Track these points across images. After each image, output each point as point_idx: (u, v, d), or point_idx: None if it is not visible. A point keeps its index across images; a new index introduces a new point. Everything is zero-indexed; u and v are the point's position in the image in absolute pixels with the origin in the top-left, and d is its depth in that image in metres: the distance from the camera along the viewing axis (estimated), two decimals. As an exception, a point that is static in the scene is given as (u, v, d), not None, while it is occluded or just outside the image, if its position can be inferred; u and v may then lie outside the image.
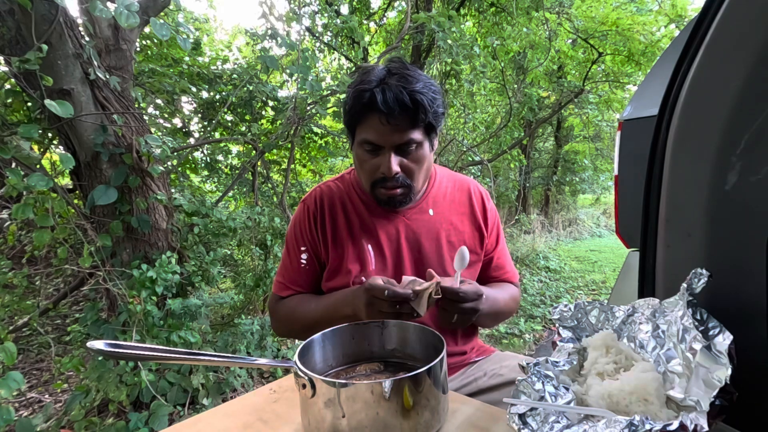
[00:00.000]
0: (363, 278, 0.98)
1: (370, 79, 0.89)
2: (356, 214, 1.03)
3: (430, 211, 1.04)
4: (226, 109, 3.37)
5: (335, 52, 5.46)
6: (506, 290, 1.08)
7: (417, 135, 0.90)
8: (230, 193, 3.69)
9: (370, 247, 1.00)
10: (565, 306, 0.71)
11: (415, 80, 0.88)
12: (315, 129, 3.79)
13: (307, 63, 2.69)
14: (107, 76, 2.03)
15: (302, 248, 1.04)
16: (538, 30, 5.70)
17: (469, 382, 1.01)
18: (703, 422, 0.45)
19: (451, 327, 0.88)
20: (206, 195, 3.50)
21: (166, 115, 3.60)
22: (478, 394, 0.97)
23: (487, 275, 1.11)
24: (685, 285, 0.57)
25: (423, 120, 0.88)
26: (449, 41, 3.33)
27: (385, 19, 6.27)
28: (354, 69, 3.86)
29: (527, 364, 0.62)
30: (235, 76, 3.44)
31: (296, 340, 2.90)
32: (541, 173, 9.83)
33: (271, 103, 3.54)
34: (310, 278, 1.05)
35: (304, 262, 1.03)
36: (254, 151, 3.26)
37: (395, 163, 0.90)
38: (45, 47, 1.69)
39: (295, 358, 0.65)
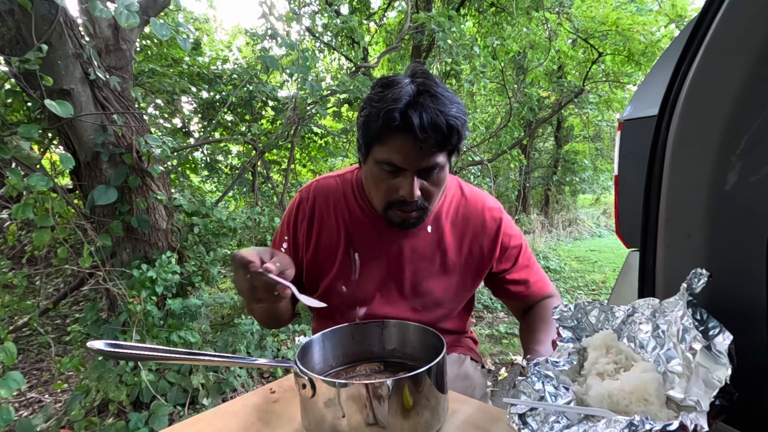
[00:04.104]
0: (344, 287, 0.96)
1: (398, 96, 0.80)
2: (350, 218, 0.98)
3: (429, 228, 0.98)
4: (226, 109, 3.37)
5: (335, 52, 5.46)
6: (548, 331, 0.92)
7: (441, 158, 0.85)
8: (230, 193, 3.70)
9: (357, 256, 0.96)
10: (565, 306, 0.71)
11: (448, 101, 0.82)
12: (315, 129, 3.79)
13: (307, 63, 2.70)
14: (107, 76, 2.03)
15: (285, 237, 1.00)
16: (538, 30, 5.70)
17: None
18: (703, 422, 0.45)
19: None
20: (206, 195, 3.50)
21: (166, 115, 3.61)
22: None
23: (514, 293, 1.04)
24: (685, 285, 0.57)
25: (453, 145, 0.84)
26: (449, 41, 3.34)
27: (385, 19, 6.27)
28: (354, 69, 3.85)
29: (527, 364, 0.62)
30: (235, 76, 3.44)
31: (296, 340, 2.90)
32: (541, 173, 9.83)
33: (271, 103, 3.54)
34: None
35: (283, 250, 1.00)
36: (254, 151, 3.26)
37: (417, 186, 0.84)
38: (45, 47, 1.69)
39: (295, 358, 0.65)
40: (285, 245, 0.99)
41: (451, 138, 0.82)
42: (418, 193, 0.84)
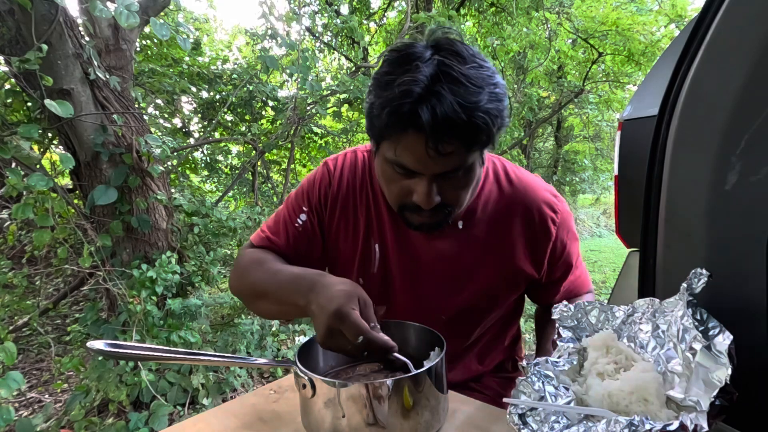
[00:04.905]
0: (361, 280, 0.87)
1: (408, 86, 0.61)
2: (374, 204, 0.85)
3: (460, 224, 0.82)
4: (226, 109, 3.37)
5: (335, 52, 5.46)
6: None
7: (469, 159, 0.68)
8: (230, 193, 3.70)
9: (377, 247, 0.85)
10: (565, 306, 0.70)
11: (478, 87, 0.62)
12: (315, 129, 3.79)
13: (307, 63, 2.70)
14: (107, 76, 2.03)
15: (304, 208, 0.86)
16: (538, 30, 5.70)
17: None
18: (703, 422, 0.45)
19: None
20: (206, 195, 3.50)
21: (166, 115, 3.61)
22: None
23: (554, 298, 0.91)
24: (685, 285, 0.57)
25: (484, 143, 0.66)
26: (449, 41, 3.33)
27: (385, 19, 6.28)
28: (354, 69, 3.85)
29: (527, 363, 0.62)
30: (235, 76, 3.44)
31: (296, 340, 2.90)
32: (541, 173, 9.82)
33: (271, 103, 3.54)
34: (298, 243, 0.86)
35: (299, 223, 0.86)
36: (254, 151, 3.26)
37: (435, 193, 0.69)
38: (45, 47, 1.69)
39: (295, 358, 0.65)
40: (303, 216, 0.86)
41: (479, 136, 0.64)
42: (436, 199, 0.69)
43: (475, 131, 0.63)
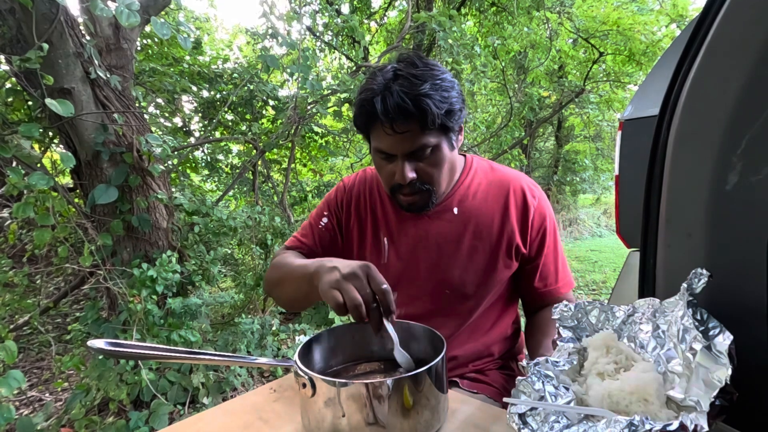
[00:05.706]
0: None
1: (373, 86, 0.83)
2: (380, 202, 1.03)
3: (455, 210, 0.97)
4: (226, 109, 3.37)
5: (336, 51, 5.46)
6: (548, 340, 0.91)
7: (431, 139, 0.84)
8: (230, 193, 3.70)
9: (386, 240, 1.00)
10: (565, 306, 0.70)
11: (422, 81, 0.80)
12: (315, 128, 3.79)
13: (308, 62, 2.70)
14: (108, 75, 2.03)
15: (325, 213, 1.06)
16: (538, 29, 5.70)
17: None
18: (703, 422, 0.45)
19: None
20: (206, 194, 3.50)
21: (167, 114, 3.61)
22: None
23: (533, 287, 1.00)
24: (685, 285, 0.57)
25: (433, 124, 0.82)
26: (450, 41, 3.33)
27: (385, 18, 6.27)
28: (355, 68, 3.85)
29: (527, 363, 0.62)
30: (235, 75, 3.44)
31: (296, 339, 2.90)
32: (541, 173, 9.82)
33: (271, 103, 3.54)
34: (323, 241, 1.05)
35: (322, 224, 1.05)
36: (255, 151, 3.26)
37: (409, 170, 0.85)
38: (46, 46, 1.69)
39: (295, 357, 0.65)
40: (325, 219, 1.06)
41: (426, 118, 0.80)
42: (410, 175, 0.85)
43: (421, 111, 0.80)
